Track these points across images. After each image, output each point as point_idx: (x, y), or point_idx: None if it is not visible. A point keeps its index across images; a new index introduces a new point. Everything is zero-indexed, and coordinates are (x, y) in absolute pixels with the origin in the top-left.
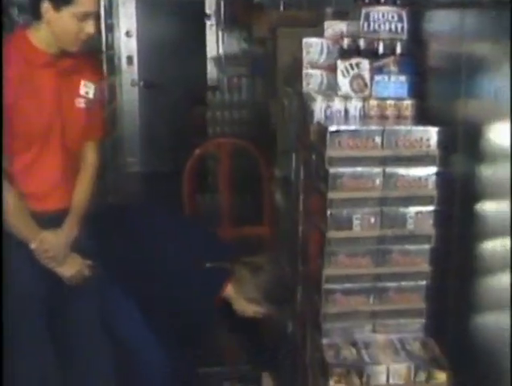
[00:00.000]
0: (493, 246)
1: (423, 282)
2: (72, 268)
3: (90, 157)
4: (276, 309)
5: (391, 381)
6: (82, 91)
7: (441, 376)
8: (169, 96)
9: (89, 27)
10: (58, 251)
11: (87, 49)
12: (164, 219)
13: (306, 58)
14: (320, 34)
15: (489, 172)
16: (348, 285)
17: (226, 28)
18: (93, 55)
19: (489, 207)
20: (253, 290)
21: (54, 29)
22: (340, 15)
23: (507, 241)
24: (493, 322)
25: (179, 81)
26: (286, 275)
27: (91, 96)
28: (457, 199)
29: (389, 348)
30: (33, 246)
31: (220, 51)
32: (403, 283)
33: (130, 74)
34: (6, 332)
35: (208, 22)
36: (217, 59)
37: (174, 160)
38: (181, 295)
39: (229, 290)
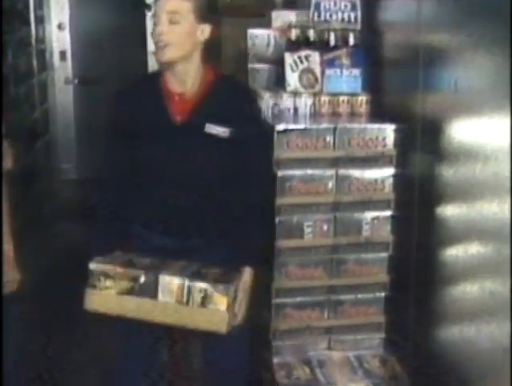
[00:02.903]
0: (456, 253)
1: (382, 294)
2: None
3: None
4: None
5: None
6: None
7: None
8: (107, 94)
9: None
10: None
11: None
12: None
13: (251, 51)
14: (267, 24)
15: (451, 172)
16: (300, 299)
17: None
18: None
19: (450, 211)
20: None
21: None
22: (289, 5)
23: (470, 247)
24: (457, 334)
25: (117, 77)
26: None
27: None
28: (416, 202)
29: (345, 367)
30: None
31: None
32: (360, 295)
33: (63, 70)
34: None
35: (148, 13)
36: None
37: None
38: None
39: None
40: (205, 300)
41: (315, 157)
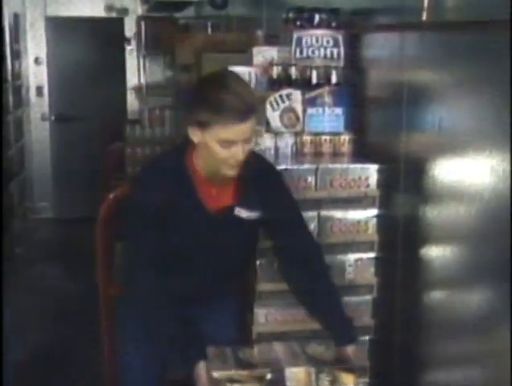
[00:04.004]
0: (442, 296)
1: (366, 337)
2: None
3: None
4: None
5: None
6: None
7: None
8: (84, 132)
9: (237, 153)
10: None
11: None
12: None
13: None
14: (248, 60)
15: (435, 213)
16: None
17: (148, 53)
18: None
19: (435, 252)
20: None
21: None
22: (272, 39)
23: (456, 290)
24: (444, 380)
25: (95, 114)
26: None
27: None
28: (400, 243)
29: None
30: None
31: (142, 79)
32: None
33: (39, 107)
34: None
35: (127, 47)
36: (138, 89)
37: (89, 204)
38: None
39: None
40: (333, 383)
41: (297, 198)
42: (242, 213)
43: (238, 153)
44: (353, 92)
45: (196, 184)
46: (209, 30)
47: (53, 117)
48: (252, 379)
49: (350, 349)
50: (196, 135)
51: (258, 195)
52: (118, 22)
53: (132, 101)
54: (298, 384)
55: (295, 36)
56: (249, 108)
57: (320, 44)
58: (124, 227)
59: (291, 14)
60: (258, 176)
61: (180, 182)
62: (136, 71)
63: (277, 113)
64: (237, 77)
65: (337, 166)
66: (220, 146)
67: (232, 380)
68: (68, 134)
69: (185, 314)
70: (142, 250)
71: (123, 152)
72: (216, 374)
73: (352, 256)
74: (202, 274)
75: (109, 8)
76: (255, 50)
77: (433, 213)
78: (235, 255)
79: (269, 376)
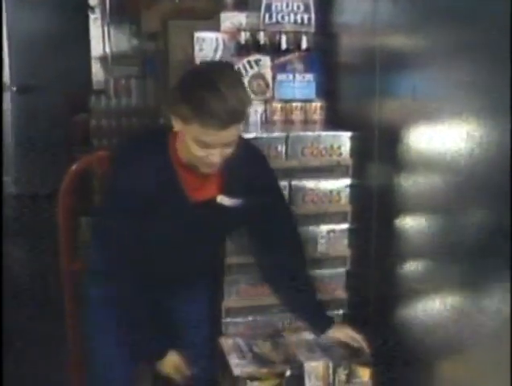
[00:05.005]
0: (417, 267)
1: (340, 311)
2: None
3: None
4: None
5: None
6: None
7: None
8: (47, 103)
9: (214, 156)
10: None
11: None
12: None
13: (199, 55)
14: (216, 27)
15: (410, 182)
16: (251, 318)
17: (113, 22)
18: None
19: (410, 223)
20: None
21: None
22: (240, 6)
23: (431, 260)
24: (418, 358)
25: (58, 85)
26: None
27: None
28: (374, 214)
29: None
30: None
31: (107, 48)
32: None
33: None
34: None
35: (91, 16)
36: (103, 59)
37: (53, 178)
38: None
39: None
40: (350, 376)
41: None
42: (225, 201)
43: (215, 156)
44: (324, 57)
45: (177, 172)
46: None
47: (14, 88)
48: (272, 376)
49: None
50: (176, 123)
51: (242, 182)
52: None
53: (97, 71)
54: (316, 378)
55: (264, 1)
56: (234, 116)
57: (290, 10)
58: (100, 206)
59: None
60: (244, 164)
61: (161, 168)
62: (101, 39)
63: (245, 80)
64: (233, 79)
65: (308, 133)
66: (197, 145)
67: (252, 377)
68: (30, 106)
69: (157, 300)
70: (115, 233)
71: (88, 124)
72: (236, 371)
73: (324, 228)
74: (177, 261)
75: None
76: (223, 15)
77: (408, 182)
78: (214, 243)
79: (288, 373)
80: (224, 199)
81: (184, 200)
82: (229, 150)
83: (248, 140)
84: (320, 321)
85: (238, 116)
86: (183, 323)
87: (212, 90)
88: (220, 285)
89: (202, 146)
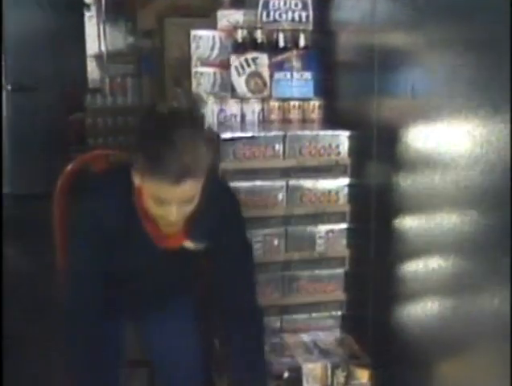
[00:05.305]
0: (416, 267)
1: (338, 312)
2: None
3: None
4: None
5: None
6: None
7: None
8: (42, 102)
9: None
10: None
11: None
12: None
13: (195, 53)
14: (213, 25)
15: (409, 182)
16: None
17: (108, 20)
18: None
19: (409, 223)
20: None
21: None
22: (237, 4)
23: (430, 261)
24: (417, 359)
25: (53, 83)
26: None
27: None
28: (373, 214)
29: None
30: None
31: (102, 46)
32: (315, 315)
33: None
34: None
35: (87, 14)
36: (99, 57)
37: (49, 179)
38: None
39: None
40: (348, 378)
41: (264, 167)
42: (190, 245)
43: (172, 213)
44: (322, 56)
45: (142, 219)
46: None
47: (9, 87)
48: (270, 378)
49: None
50: (136, 178)
51: (210, 227)
52: None
53: (92, 69)
54: (314, 380)
55: None
56: (189, 172)
57: (287, 7)
58: (69, 240)
59: None
60: (214, 211)
61: (127, 212)
62: (96, 37)
63: (243, 78)
64: (192, 130)
65: (306, 132)
66: (154, 203)
67: None
68: (25, 104)
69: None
70: (80, 265)
71: (83, 123)
72: None
73: (322, 228)
74: (141, 295)
75: None
76: (219, 13)
77: (407, 182)
78: (180, 281)
79: (286, 375)
80: (190, 244)
81: (149, 244)
82: (188, 208)
83: (225, 184)
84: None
85: (194, 172)
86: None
87: (166, 142)
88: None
89: (159, 204)
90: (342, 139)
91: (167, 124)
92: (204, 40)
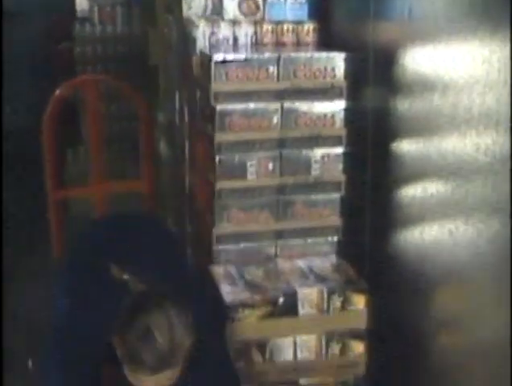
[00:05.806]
0: (413, 192)
1: (334, 238)
2: None
3: None
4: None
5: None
6: None
7: None
8: (30, 30)
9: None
10: None
11: None
12: None
13: None
14: None
15: (406, 105)
16: (244, 245)
17: None
18: None
19: (406, 147)
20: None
21: None
22: None
23: (428, 185)
24: (414, 284)
25: (41, 11)
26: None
27: None
28: (370, 138)
29: None
30: None
31: None
32: (310, 240)
33: None
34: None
35: None
36: None
37: (37, 110)
38: None
39: None
40: (345, 303)
41: (258, 89)
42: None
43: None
44: None
45: None
46: None
47: None
48: (265, 303)
49: None
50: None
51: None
52: None
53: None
54: (310, 305)
55: None
56: (166, 362)
57: None
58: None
59: None
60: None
61: None
62: None
63: (235, 1)
64: (172, 316)
65: (301, 54)
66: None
67: (244, 305)
68: (12, 33)
69: None
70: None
71: (72, 52)
72: (228, 297)
73: (318, 152)
74: None
75: None
76: None
77: (404, 105)
78: None
79: (281, 300)
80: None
81: None
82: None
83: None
84: None
85: (171, 362)
86: None
87: (144, 336)
88: None
89: None
90: (338, 61)
91: (146, 311)
92: None
